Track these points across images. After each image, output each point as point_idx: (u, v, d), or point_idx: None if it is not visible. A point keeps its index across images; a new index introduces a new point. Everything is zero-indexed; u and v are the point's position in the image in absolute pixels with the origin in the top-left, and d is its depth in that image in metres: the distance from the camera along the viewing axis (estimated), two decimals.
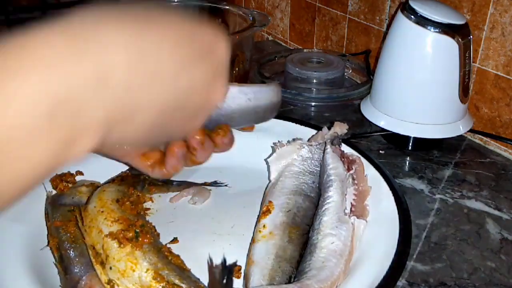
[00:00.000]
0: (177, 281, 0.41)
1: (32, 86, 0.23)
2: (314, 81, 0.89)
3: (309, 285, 0.41)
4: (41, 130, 0.24)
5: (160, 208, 0.55)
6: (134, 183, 0.52)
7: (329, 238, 0.46)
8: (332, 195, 0.50)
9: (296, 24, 1.11)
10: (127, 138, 0.30)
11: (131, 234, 0.43)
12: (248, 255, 0.48)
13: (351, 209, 0.50)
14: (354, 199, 0.51)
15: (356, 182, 0.53)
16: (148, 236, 0.43)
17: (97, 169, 0.57)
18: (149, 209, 0.55)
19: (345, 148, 0.60)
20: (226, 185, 0.60)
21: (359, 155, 0.58)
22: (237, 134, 0.64)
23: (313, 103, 0.84)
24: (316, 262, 0.44)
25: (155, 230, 0.47)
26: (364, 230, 0.49)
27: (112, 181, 0.53)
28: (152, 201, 0.56)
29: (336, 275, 0.43)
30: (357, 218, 0.49)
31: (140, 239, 0.43)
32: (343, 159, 0.55)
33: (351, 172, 0.54)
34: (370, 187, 0.54)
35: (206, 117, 0.35)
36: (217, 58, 0.33)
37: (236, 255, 0.48)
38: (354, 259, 0.46)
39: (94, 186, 0.52)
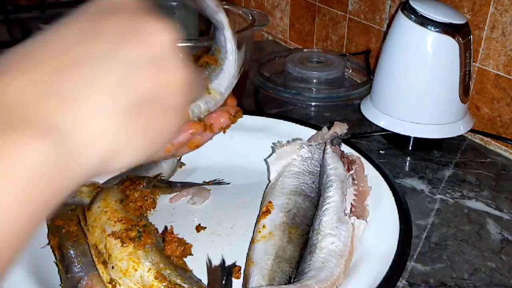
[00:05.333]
0: (178, 281, 0.41)
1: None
2: (314, 81, 0.89)
3: (309, 285, 0.40)
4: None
5: (160, 208, 0.54)
6: (137, 186, 0.52)
7: (329, 239, 0.46)
8: (332, 196, 0.50)
9: (296, 23, 1.11)
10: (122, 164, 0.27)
11: (133, 234, 0.43)
12: (247, 255, 0.48)
13: (351, 209, 0.50)
14: (354, 199, 0.51)
15: (356, 182, 0.53)
16: (151, 236, 0.43)
17: None
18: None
19: (345, 148, 0.60)
20: (228, 183, 0.60)
21: (359, 155, 0.57)
22: (237, 134, 0.64)
23: (313, 103, 0.84)
24: (316, 262, 0.44)
25: (158, 232, 0.47)
26: (364, 230, 0.49)
27: (117, 184, 0.53)
28: None
29: (336, 275, 0.43)
30: (357, 218, 0.49)
31: (143, 239, 0.43)
32: (343, 160, 0.55)
33: (351, 172, 0.54)
34: (370, 187, 0.54)
35: (179, 105, 0.29)
36: (157, 46, 0.27)
37: (235, 256, 0.48)
38: (354, 259, 0.46)
39: (94, 186, 0.52)
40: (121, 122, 0.25)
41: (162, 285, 0.40)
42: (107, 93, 0.25)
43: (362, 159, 0.57)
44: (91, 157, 0.24)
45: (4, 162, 0.20)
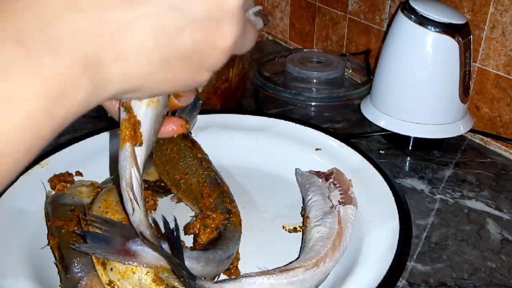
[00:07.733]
0: (176, 284, 0.41)
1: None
2: (314, 81, 0.89)
3: (292, 268, 0.42)
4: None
5: (159, 208, 0.54)
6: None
7: (315, 229, 0.48)
8: (312, 197, 0.52)
9: (296, 23, 1.11)
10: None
11: None
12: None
13: (339, 201, 0.52)
14: (340, 197, 0.53)
15: (338, 185, 0.54)
16: None
17: (96, 169, 0.57)
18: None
19: (345, 148, 0.60)
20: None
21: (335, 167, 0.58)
22: (237, 134, 0.64)
23: (313, 103, 0.84)
24: (304, 250, 0.46)
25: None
26: (355, 215, 0.50)
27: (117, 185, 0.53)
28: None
29: (322, 254, 0.44)
30: (344, 205, 0.50)
31: None
32: (319, 176, 0.57)
33: (331, 180, 0.55)
34: (350, 180, 0.55)
35: (217, 66, 0.28)
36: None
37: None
38: (354, 259, 0.46)
39: (93, 187, 0.52)
40: (151, 71, 0.25)
41: None
42: (151, 37, 0.24)
43: (363, 158, 0.58)
44: (109, 91, 0.24)
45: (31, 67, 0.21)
